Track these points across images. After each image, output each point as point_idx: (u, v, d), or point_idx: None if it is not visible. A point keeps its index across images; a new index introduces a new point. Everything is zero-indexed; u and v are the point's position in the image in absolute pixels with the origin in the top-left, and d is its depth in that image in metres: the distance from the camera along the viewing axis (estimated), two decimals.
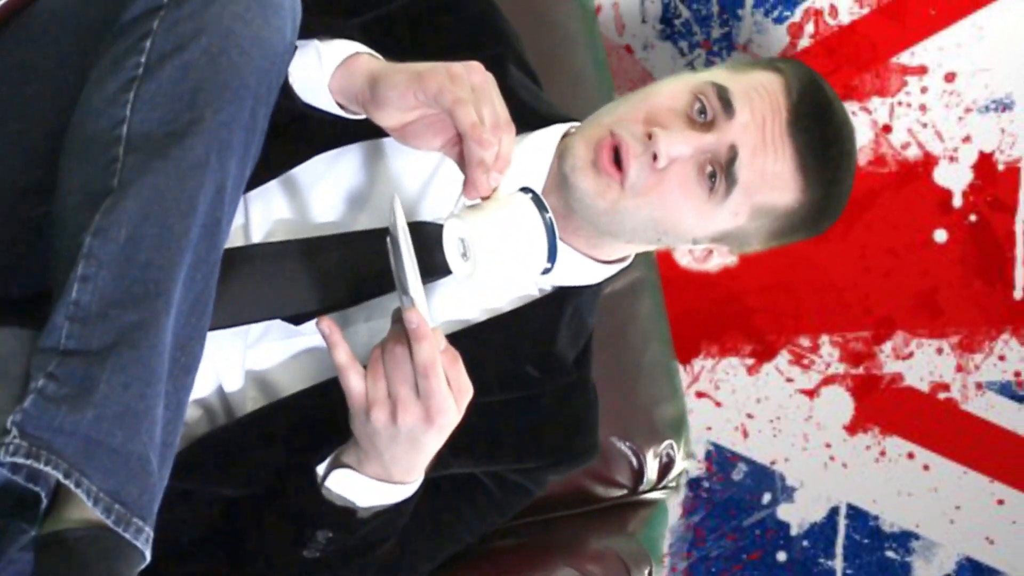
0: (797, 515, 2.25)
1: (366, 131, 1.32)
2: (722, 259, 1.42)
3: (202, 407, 1.38)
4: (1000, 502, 2.23)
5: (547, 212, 1.25)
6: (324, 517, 1.30)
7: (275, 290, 1.35)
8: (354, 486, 1.29)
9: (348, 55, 1.28)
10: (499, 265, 1.24)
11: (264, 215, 1.38)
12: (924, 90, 2.15)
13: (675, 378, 1.82)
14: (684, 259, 1.41)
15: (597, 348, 1.52)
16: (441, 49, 1.31)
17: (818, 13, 2.14)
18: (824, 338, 2.21)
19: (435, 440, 1.25)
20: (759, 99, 1.37)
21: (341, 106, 1.30)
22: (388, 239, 1.24)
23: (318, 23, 1.30)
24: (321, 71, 1.28)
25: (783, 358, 2.22)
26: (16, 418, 1.09)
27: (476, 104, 1.20)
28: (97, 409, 1.11)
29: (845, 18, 2.14)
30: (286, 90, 1.27)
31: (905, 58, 2.15)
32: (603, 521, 1.69)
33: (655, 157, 1.33)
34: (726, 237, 1.42)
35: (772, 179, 1.38)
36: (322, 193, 1.39)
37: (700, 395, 2.23)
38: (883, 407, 2.22)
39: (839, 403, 2.22)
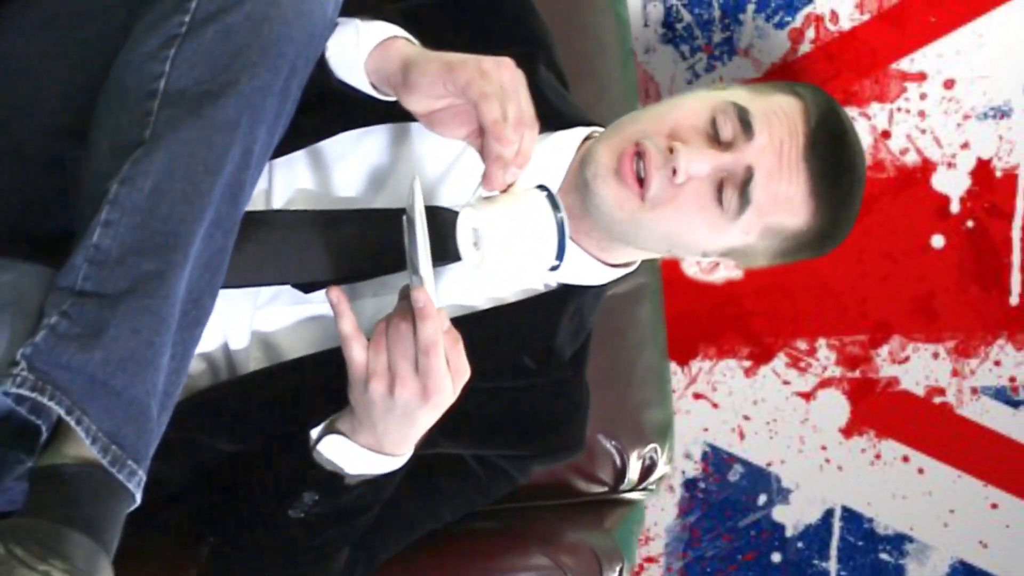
0: (792, 517, 2.26)
1: (394, 113, 1.34)
2: (728, 272, 1.44)
3: (206, 361, 1.40)
4: (994, 506, 2.24)
5: (560, 211, 1.27)
6: (312, 479, 1.33)
7: (289, 256, 1.37)
8: (345, 453, 1.31)
9: (386, 37, 1.31)
10: (508, 258, 1.27)
11: (287, 183, 1.40)
12: (923, 96, 2.16)
13: (666, 385, 1.84)
14: (691, 269, 1.43)
15: (594, 348, 1.54)
16: (476, 43, 1.33)
17: (819, 19, 2.16)
18: (821, 341, 2.22)
19: (429, 416, 1.27)
20: (778, 122, 1.39)
21: (374, 86, 1.32)
22: (404, 219, 1.26)
23: (361, 2, 1.33)
24: (358, 49, 1.31)
25: (780, 361, 2.23)
26: (26, 351, 1.12)
27: (502, 100, 1.22)
28: (105, 351, 1.13)
29: (846, 24, 2.15)
30: (321, 64, 1.30)
31: (905, 64, 2.16)
32: (581, 515, 1.72)
33: (674, 172, 1.36)
34: (734, 252, 1.44)
35: (785, 202, 1.40)
36: (345, 169, 1.42)
37: (697, 396, 2.23)
38: (879, 410, 2.23)
39: (835, 406, 2.23)
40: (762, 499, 2.26)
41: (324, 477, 1.32)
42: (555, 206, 1.28)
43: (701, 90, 1.46)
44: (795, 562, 2.26)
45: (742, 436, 2.24)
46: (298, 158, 1.40)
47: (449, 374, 1.24)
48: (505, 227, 1.26)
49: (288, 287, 1.38)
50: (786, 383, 2.23)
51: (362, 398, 1.27)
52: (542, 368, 1.46)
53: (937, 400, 2.22)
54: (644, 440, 1.74)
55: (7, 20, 1.35)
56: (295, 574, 1.41)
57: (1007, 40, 2.15)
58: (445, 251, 1.34)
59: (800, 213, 1.41)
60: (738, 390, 2.23)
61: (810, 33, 2.16)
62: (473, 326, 1.37)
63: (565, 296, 1.47)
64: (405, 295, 1.26)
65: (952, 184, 2.18)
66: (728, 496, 2.26)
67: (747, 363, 2.23)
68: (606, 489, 1.74)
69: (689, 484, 2.25)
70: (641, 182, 1.37)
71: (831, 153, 1.41)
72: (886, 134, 2.17)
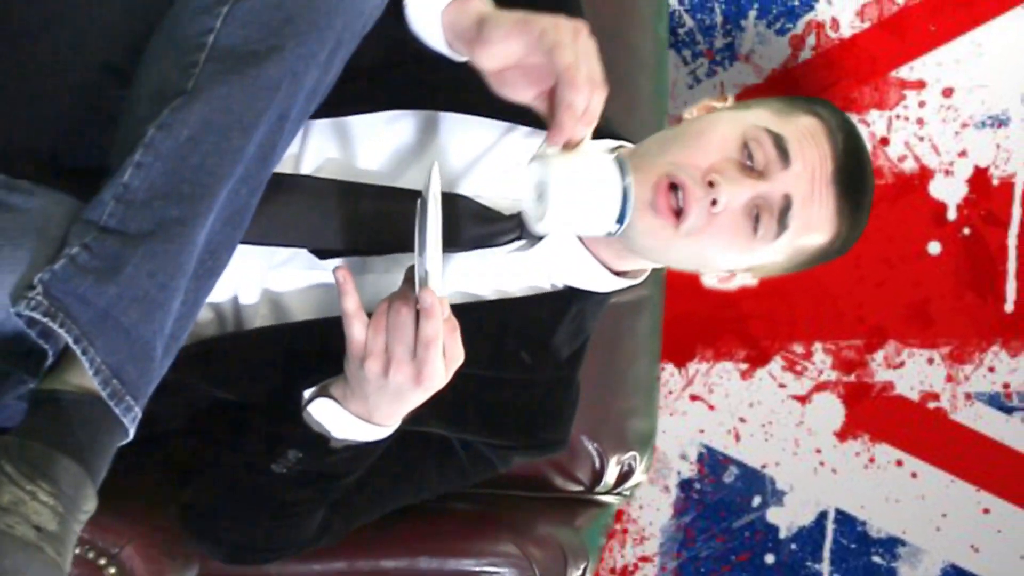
0: (786, 518, 2.26)
1: (430, 101, 1.39)
2: (743, 281, 1.48)
3: (215, 312, 1.43)
4: (986, 511, 2.24)
5: (627, 177, 1.29)
6: (299, 438, 1.35)
7: (309, 222, 1.40)
8: (333, 417, 1.34)
9: None
10: (569, 216, 1.28)
11: (317, 151, 1.43)
12: (922, 104, 2.17)
13: (654, 397, 1.86)
14: (710, 281, 1.46)
15: (590, 352, 1.56)
16: None
17: (820, 26, 2.17)
18: (817, 345, 2.23)
19: (419, 397, 1.30)
20: (809, 148, 1.42)
21: (448, 45, 1.34)
22: (419, 201, 1.28)
23: None
24: (436, 1, 1.33)
25: (776, 364, 2.23)
26: (44, 276, 1.15)
27: (576, 53, 1.24)
28: (120, 288, 1.16)
29: (846, 31, 2.16)
30: (399, 16, 1.32)
31: (904, 72, 2.17)
32: (554, 510, 1.74)
33: (713, 203, 1.38)
34: (756, 268, 1.47)
35: (815, 224, 1.44)
36: (374, 147, 1.44)
37: (694, 398, 2.24)
38: (873, 415, 2.23)
39: (830, 410, 2.24)
40: (756, 501, 2.26)
41: (310, 437, 1.35)
42: (623, 170, 1.29)
43: (724, 112, 1.47)
44: (788, 563, 2.27)
45: (738, 438, 2.25)
46: (331, 128, 1.43)
47: (443, 362, 1.27)
48: (571, 184, 1.27)
49: (304, 251, 1.40)
50: (782, 386, 2.24)
51: (357, 373, 1.29)
52: (538, 364, 1.48)
53: (931, 405, 2.23)
54: (625, 447, 1.76)
55: None
56: (270, 526, 1.44)
57: (1006, 50, 2.16)
58: (459, 238, 1.38)
59: (826, 231, 1.45)
60: (734, 392, 2.24)
61: (811, 40, 2.17)
62: (477, 314, 1.41)
63: (570, 298, 1.49)
64: (409, 276, 1.28)
65: (949, 191, 2.19)
66: (723, 497, 2.26)
67: (743, 366, 2.24)
68: (582, 489, 1.77)
69: (684, 485, 2.26)
70: (677, 212, 1.39)
71: (856, 174, 1.45)
72: (885, 141, 2.18)
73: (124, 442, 1.21)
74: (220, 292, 1.38)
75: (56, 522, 1.14)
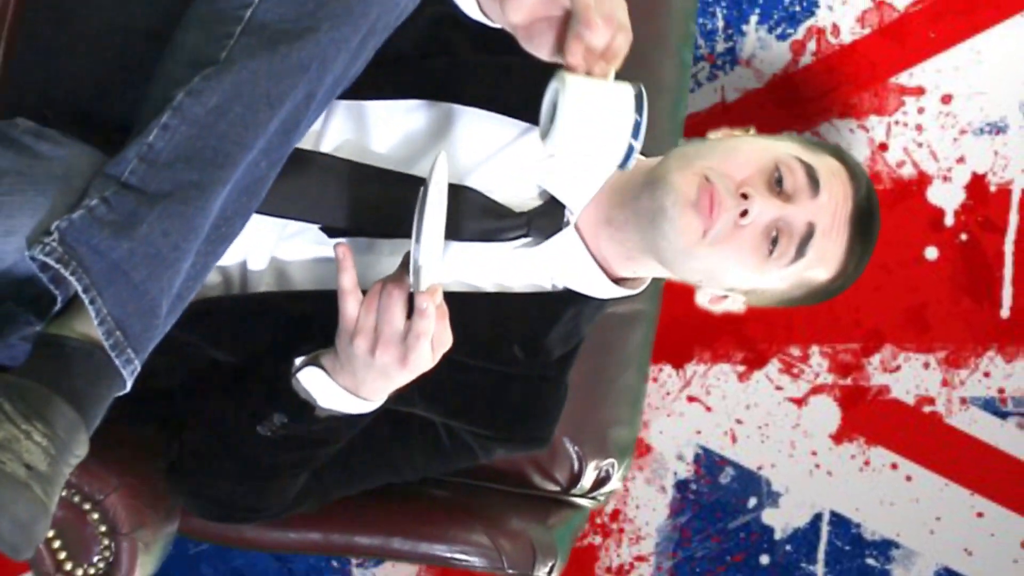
0: (781, 520, 2.27)
1: (453, 94, 1.42)
2: (732, 306, 1.50)
3: (222, 275, 1.46)
4: (980, 515, 2.25)
5: (642, 114, 1.29)
6: (285, 403, 1.38)
7: (322, 199, 1.43)
8: (321, 386, 1.36)
9: None
10: (575, 136, 1.29)
11: (338, 131, 1.45)
12: (921, 111, 2.18)
13: (639, 408, 1.88)
14: (703, 299, 1.48)
15: (582, 356, 1.59)
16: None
17: (820, 32, 2.18)
18: (814, 348, 2.24)
19: (405, 378, 1.33)
20: (836, 185, 1.46)
21: (481, 11, 1.37)
22: (421, 189, 1.30)
23: None
24: None
25: (773, 366, 2.25)
26: (61, 224, 1.19)
27: (600, 3, 1.26)
28: (133, 243, 1.20)
29: (847, 37, 2.18)
30: None
31: (904, 79, 2.18)
32: (529, 507, 1.77)
33: (742, 214, 1.40)
34: (754, 292, 1.49)
35: (827, 258, 1.47)
36: (392, 133, 1.47)
37: (691, 399, 2.25)
38: (869, 418, 2.24)
39: (826, 412, 2.25)
40: (752, 502, 2.27)
41: (296, 403, 1.37)
42: (640, 107, 1.29)
43: (751, 137, 1.50)
44: (783, 565, 2.28)
45: (734, 439, 2.26)
46: (354, 111, 1.45)
47: (431, 347, 1.29)
48: (582, 105, 1.28)
49: (314, 227, 1.43)
50: (779, 388, 2.25)
51: (347, 348, 1.32)
52: (529, 361, 1.50)
53: (927, 409, 2.24)
54: (605, 453, 1.79)
55: None
56: (251, 487, 1.47)
57: (1005, 57, 2.18)
58: (463, 230, 1.41)
59: (833, 268, 1.48)
60: (731, 394, 2.25)
61: (811, 45, 2.18)
62: (475, 304, 1.44)
63: (568, 300, 1.51)
64: (406, 261, 1.31)
65: (947, 197, 2.20)
66: (719, 498, 2.27)
67: (741, 368, 2.25)
68: (558, 489, 1.79)
69: (681, 485, 2.27)
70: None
71: (870, 221, 1.48)
72: (883, 147, 2.19)
73: (121, 393, 1.25)
74: (230, 257, 1.41)
75: (47, 463, 1.17)
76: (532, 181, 1.48)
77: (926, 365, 2.23)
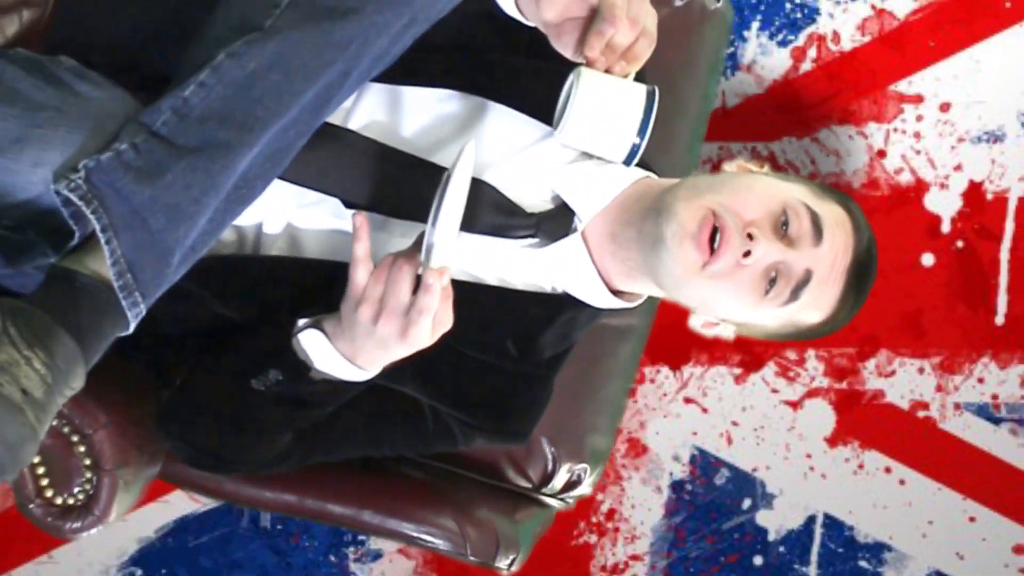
0: (775, 521, 2.29)
1: (484, 89, 1.46)
2: (723, 332, 1.53)
3: (237, 233, 1.49)
4: (972, 519, 2.27)
5: (652, 114, 1.34)
6: (283, 360, 1.40)
7: (344, 173, 1.45)
8: (319, 349, 1.39)
9: None
10: (585, 128, 1.34)
11: (368, 111, 1.49)
12: (919, 118, 2.20)
13: (617, 419, 1.91)
14: (696, 323, 1.51)
15: (570, 361, 1.61)
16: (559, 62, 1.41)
17: (821, 39, 2.19)
18: (810, 352, 2.25)
19: (402, 351, 1.35)
20: (839, 235, 1.47)
21: (517, 6, 1.40)
22: (446, 174, 1.33)
23: None
24: None
25: (770, 369, 2.26)
26: (89, 164, 1.22)
27: (628, 5, 1.31)
28: (156, 192, 1.23)
29: (847, 45, 2.19)
30: None
31: (903, 86, 2.20)
32: (498, 499, 1.80)
33: (747, 254, 1.42)
34: (745, 326, 1.52)
35: (820, 304, 1.48)
36: (420, 119, 1.50)
37: (688, 401, 2.27)
38: (864, 422, 2.26)
39: (821, 416, 2.26)
40: (747, 503, 2.28)
41: (293, 362, 1.40)
42: (649, 108, 1.34)
43: (764, 176, 1.51)
44: (776, 566, 2.29)
45: (730, 441, 2.27)
46: (385, 94, 1.49)
47: (431, 325, 1.32)
48: (595, 99, 1.33)
49: (333, 199, 1.46)
50: (775, 391, 2.26)
51: (351, 315, 1.35)
52: (521, 357, 1.53)
53: (921, 414, 2.25)
54: (579, 458, 1.81)
55: None
56: (236, 438, 1.49)
57: (1003, 67, 2.19)
58: (475, 222, 1.44)
59: (824, 314, 1.50)
60: (728, 396, 2.26)
61: (812, 52, 2.19)
62: (476, 295, 1.47)
63: (565, 304, 1.53)
64: (419, 241, 1.33)
65: (944, 205, 2.22)
66: (714, 499, 2.28)
67: (737, 370, 2.26)
68: (529, 486, 1.81)
69: (676, 486, 2.28)
70: (712, 251, 1.43)
71: (867, 273, 1.50)
72: (882, 153, 2.20)
73: (123, 334, 1.28)
74: (247, 217, 1.44)
75: (43, 391, 1.20)
76: (547, 184, 1.51)
77: (921, 370, 2.25)
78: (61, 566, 2.27)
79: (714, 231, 1.43)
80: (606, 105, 1.34)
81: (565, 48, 1.36)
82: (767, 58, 2.20)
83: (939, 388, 2.25)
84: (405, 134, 1.49)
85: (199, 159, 1.24)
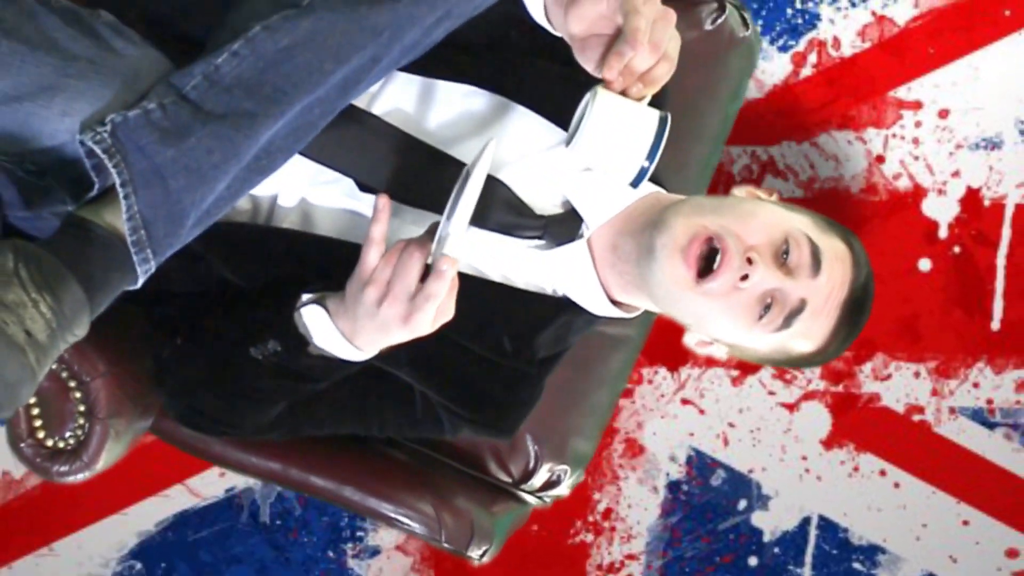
0: (770, 523, 2.30)
1: (509, 89, 1.48)
2: (717, 352, 1.54)
3: (252, 203, 1.51)
4: (965, 523, 2.28)
5: (663, 139, 1.35)
6: (283, 332, 1.42)
7: (363, 156, 1.47)
8: (320, 325, 1.41)
9: None
10: (595, 148, 1.36)
11: (392, 98, 1.50)
12: (918, 124, 2.21)
13: (602, 426, 1.92)
14: (690, 340, 1.52)
15: (563, 364, 1.63)
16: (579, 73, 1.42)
17: (822, 44, 2.20)
18: None
19: (402, 336, 1.37)
20: (837, 269, 1.49)
21: (547, 16, 1.42)
22: (465, 169, 1.35)
23: None
24: None
25: (767, 372, 2.27)
26: (116, 118, 1.25)
27: (652, 29, 1.31)
28: (178, 153, 1.26)
29: (847, 51, 2.20)
30: None
31: (902, 92, 2.20)
32: (477, 490, 1.82)
33: (744, 278, 1.44)
34: (737, 347, 1.53)
35: (812, 334, 1.50)
36: (443, 112, 1.52)
37: (685, 402, 2.28)
38: (859, 425, 2.27)
39: (817, 418, 2.27)
40: (742, 504, 2.29)
41: (293, 335, 1.41)
42: (661, 132, 1.36)
43: (771, 204, 1.52)
44: (771, 567, 2.30)
45: (726, 442, 2.28)
46: (412, 84, 1.50)
47: (434, 313, 1.34)
48: (607, 120, 1.35)
49: (350, 180, 1.48)
50: (771, 393, 2.27)
51: (356, 294, 1.36)
52: (515, 354, 1.55)
53: (916, 418, 2.26)
54: (561, 459, 1.83)
55: None
56: (228, 402, 1.51)
57: (1002, 74, 2.20)
58: (486, 218, 1.46)
59: (816, 344, 1.51)
60: (724, 398, 2.27)
61: (812, 57, 2.20)
62: (478, 289, 1.49)
63: (563, 307, 1.55)
64: (431, 230, 1.35)
65: (941, 210, 2.23)
66: (710, 500, 2.29)
67: (734, 372, 2.27)
68: (510, 481, 1.83)
69: (672, 486, 2.29)
70: (701, 269, 1.45)
71: (861, 309, 1.51)
72: (880, 159, 2.21)
73: (130, 288, 1.30)
74: (264, 188, 1.46)
75: (46, 335, 1.23)
76: (559, 189, 1.52)
77: (916, 374, 2.26)
78: (61, 558, 2.28)
79: (713, 252, 1.44)
80: (618, 127, 1.35)
81: (587, 62, 1.37)
82: (768, 63, 2.21)
83: (934, 392, 2.26)
84: (427, 125, 1.51)
85: (224, 126, 1.27)
